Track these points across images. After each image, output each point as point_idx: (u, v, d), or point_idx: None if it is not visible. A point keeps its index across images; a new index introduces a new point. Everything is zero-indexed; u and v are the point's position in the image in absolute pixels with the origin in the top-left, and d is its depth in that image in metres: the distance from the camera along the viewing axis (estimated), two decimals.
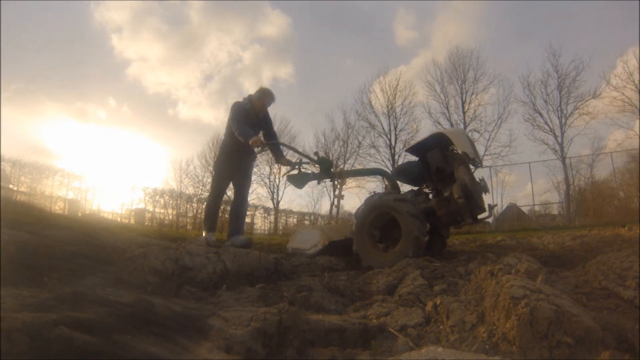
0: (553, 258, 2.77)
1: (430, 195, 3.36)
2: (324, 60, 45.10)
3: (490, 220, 3.55)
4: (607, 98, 18.11)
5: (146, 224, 17.69)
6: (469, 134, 20.91)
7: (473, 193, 2.94)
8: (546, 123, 19.75)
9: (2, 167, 15.99)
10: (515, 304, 1.02)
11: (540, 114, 19.94)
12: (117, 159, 40.91)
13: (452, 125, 21.37)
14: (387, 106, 22.34)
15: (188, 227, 19.82)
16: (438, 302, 1.32)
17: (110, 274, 1.68)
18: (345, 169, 23.23)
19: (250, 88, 43.65)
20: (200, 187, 25.10)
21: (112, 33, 44.60)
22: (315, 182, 3.82)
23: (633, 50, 17.29)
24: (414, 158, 3.47)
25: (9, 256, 1.44)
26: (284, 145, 4.41)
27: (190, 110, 42.18)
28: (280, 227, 23.07)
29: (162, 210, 20.90)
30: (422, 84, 22.96)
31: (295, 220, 24.54)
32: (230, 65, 42.25)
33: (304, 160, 3.83)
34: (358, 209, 3.12)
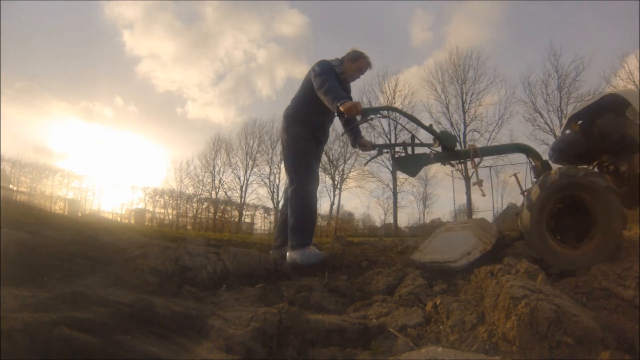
0: None
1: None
2: None
3: None
4: None
5: (146, 224, 17.69)
6: (470, 134, 20.93)
7: None
8: (546, 123, 19.81)
9: (2, 167, 15.99)
10: (515, 304, 1.02)
11: (541, 114, 20.01)
12: (119, 159, 40.90)
13: (452, 125, 21.38)
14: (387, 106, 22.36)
15: (188, 227, 19.81)
16: (438, 302, 1.32)
17: (110, 274, 1.68)
18: (349, 167, 23.00)
19: (263, 87, 43.37)
20: (201, 187, 25.12)
21: (124, 29, 44.48)
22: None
23: (634, 51, 17.33)
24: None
25: (9, 256, 1.44)
26: (397, 110, 3.03)
27: (199, 109, 42.05)
28: None
29: (162, 210, 20.90)
30: (424, 84, 22.99)
31: None
32: (244, 63, 42.07)
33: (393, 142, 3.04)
34: (529, 196, 2.34)
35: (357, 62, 3.07)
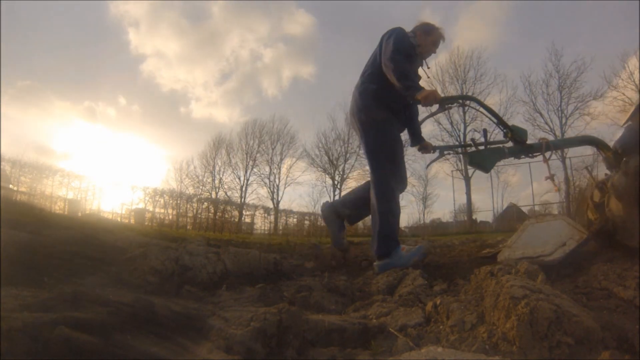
0: None
1: None
2: (345, 61, 44.38)
3: None
4: (607, 98, 18.20)
5: (146, 224, 17.69)
6: (470, 133, 20.95)
7: None
8: (546, 123, 19.82)
9: (2, 167, 16.00)
10: (515, 304, 1.02)
11: (541, 114, 20.02)
12: (120, 159, 40.60)
13: (452, 125, 21.39)
14: None
15: (188, 227, 19.83)
16: (438, 302, 1.32)
17: (110, 274, 1.68)
18: (349, 167, 23.01)
19: (268, 87, 43.01)
20: (201, 187, 25.12)
21: (129, 27, 43.68)
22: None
23: (635, 52, 17.30)
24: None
25: (9, 256, 1.44)
26: (474, 99, 2.66)
27: (203, 109, 41.53)
28: (280, 227, 23.06)
29: (162, 210, 20.92)
30: (424, 84, 23.01)
31: (295, 220, 24.48)
32: (249, 63, 41.51)
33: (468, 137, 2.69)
34: (629, 163, 2.11)
35: (431, 35, 2.66)
